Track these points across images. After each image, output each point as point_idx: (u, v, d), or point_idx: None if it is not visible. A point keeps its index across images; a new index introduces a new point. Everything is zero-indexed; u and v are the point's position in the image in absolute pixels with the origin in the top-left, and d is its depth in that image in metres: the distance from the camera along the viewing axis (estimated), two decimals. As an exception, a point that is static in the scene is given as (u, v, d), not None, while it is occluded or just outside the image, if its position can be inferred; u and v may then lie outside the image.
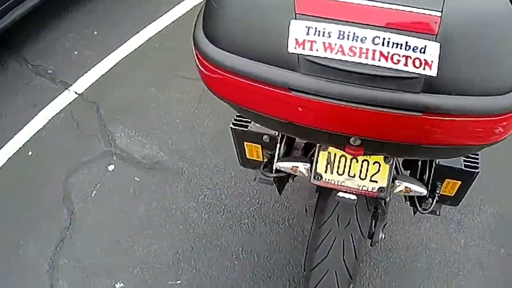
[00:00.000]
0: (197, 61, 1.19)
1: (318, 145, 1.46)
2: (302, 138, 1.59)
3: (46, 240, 2.60)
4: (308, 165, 1.52)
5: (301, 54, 0.97)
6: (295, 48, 0.97)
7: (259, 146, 1.79)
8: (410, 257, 2.44)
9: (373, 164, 1.45)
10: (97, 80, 3.40)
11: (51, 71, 3.48)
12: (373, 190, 1.46)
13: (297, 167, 1.56)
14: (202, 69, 1.17)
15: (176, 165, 2.88)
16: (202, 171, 2.85)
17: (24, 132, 3.11)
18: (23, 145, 3.05)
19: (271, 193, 2.73)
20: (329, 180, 1.48)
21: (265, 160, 1.81)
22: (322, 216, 1.70)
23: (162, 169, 2.87)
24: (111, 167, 2.88)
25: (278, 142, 1.66)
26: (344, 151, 1.27)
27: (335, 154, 1.45)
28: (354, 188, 1.48)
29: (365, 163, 1.45)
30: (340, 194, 1.52)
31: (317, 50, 0.96)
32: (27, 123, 3.15)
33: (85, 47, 3.65)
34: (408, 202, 1.82)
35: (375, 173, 1.46)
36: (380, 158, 1.44)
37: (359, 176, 1.46)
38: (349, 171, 1.46)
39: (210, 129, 3.07)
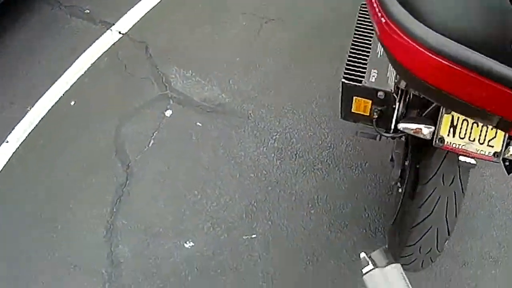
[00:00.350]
0: (385, 26, 1.11)
1: (442, 107, 1.45)
2: (472, 117, 1.41)
3: (101, 200, 2.31)
4: (432, 128, 1.50)
5: None
6: None
7: (370, 101, 1.74)
8: (474, 204, 2.27)
9: (491, 129, 1.46)
10: (142, 18, 3.03)
11: (88, 11, 3.11)
12: (489, 155, 1.49)
13: (420, 129, 1.53)
14: (394, 38, 1.09)
15: (240, 108, 2.56)
16: (269, 113, 2.53)
17: (63, 79, 2.78)
18: (64, 94, 2.72)
19: (342, 136, 2.48)
20: (450, 143, 1.49)
21: (375, 116, 1.75)
22: (426, 173, 1.69)
23: (225, 112, 2.54)
24: (168, 112, 2.54)
25: (397, 100, 1.65)
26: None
27: (458, 118, 1.47)
28: (473, 152, 1.50)
29: (484, 128, 1.46)
30: (462, 158, 1.54)
31: None
32: (66, 69, 2.81)
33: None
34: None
35: (492, 138, 1.47)
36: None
37: (478, 141, 1.48)
38: (469, 135, 1.48)
39: (272, 66, 2.73)
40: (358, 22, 1.87)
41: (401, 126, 1.57)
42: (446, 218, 1.70)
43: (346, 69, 1.71)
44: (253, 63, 2.74)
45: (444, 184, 1.66)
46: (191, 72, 2.70)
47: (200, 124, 2.49)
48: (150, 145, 2.43)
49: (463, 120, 1.47)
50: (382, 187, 2.39)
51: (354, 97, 1.74)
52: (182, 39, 2.88)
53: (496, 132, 1.46)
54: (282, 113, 2.54)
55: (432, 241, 1.74)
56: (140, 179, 2.35)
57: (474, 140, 1.49)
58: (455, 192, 1.68)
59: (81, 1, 3.19)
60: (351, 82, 1.69)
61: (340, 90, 1.72)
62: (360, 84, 1.69)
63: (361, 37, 1.82)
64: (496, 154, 1.49)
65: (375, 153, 2.46)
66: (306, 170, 2.35)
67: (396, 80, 1.62)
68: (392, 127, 1.67)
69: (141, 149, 2.42)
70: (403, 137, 1.82)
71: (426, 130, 1.51)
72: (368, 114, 1.77)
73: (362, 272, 1.21)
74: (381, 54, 1.74)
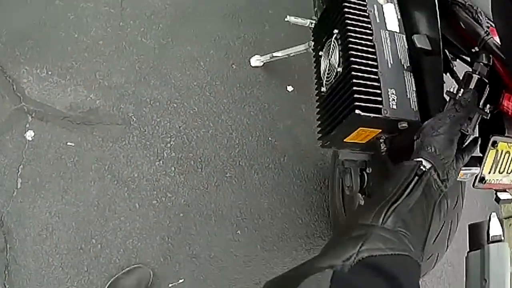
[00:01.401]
0: None
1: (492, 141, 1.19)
2: None
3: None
4: (478, 169, 1.24)
5: None
6: None
7: (379, 130, 1.29)
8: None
9: None
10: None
11: None
12: None
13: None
14: None
15: (117, 111, 2.08)
16: (154, 112, 2.11)
17: None
18: None
19: (249, 127, 2.24)
20: (490, 180, 1.26)
21: (383, 148, 1.35)
22: None
23: (99, 121, 2.05)
24: (29, 135, 1.96)
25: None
26: None
27: (501, 151, 1.24)
28: (508, 184, 1.31)
29: None
30: (501, 195, 1.31)
31: None
32: None
33: None
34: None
35: None
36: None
37: None
38: (508, 168, 1.28)
39: (147, 48, 2.25)
40: (349, 7, 1.35)
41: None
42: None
43: (358, 91, 1.22)
44: (122, 45, 2.21)
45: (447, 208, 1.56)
46: (46, 70, 2.08)
47: (72, 144, 1.98)
48: (19, 186, 1.88)
49: (506, 153, 1.25)
50: (309, 183, 2.20)
51: (360, 128, 1.28)
52: (29, 24, 2.18)
53: None
54: (171, 108, 2.13)
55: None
56: (23, 238, 1.82)
57: (510, 173, 1.30)
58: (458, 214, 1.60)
59: None
60: (368, 114, 1.20)
61: (341, 118, 1.28)
62: (380, 116, 1.21)
63: (360, 28, 1.32)
64: None
65: (290, 142, 2.24)
66: (218, 181, 2.05)
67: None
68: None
69: (9, 195, 1.86)
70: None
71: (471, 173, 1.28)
72: (364, 142, 1.37)
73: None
74: (391, 61, 1.29)
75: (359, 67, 1.24)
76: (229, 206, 2.03)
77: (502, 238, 1.07)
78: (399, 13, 1.39)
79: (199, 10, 2.42)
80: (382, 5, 1.38)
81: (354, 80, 1.22)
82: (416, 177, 0.99)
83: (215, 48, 2.34)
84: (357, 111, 1.18)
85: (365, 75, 1.24)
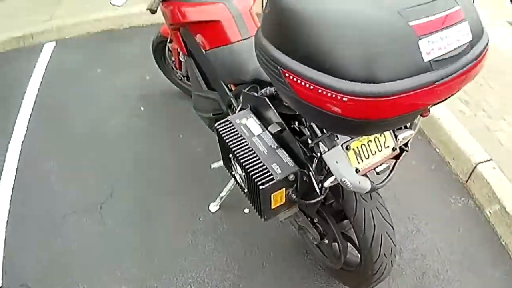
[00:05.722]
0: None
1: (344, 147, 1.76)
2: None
3: None
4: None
5: (432, 58, 1.32)
6: (428, 55, 1.31)
7: (283, 189, 1.93)
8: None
9: (376, 139, 1.86)
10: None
11: None
12: (393, 151, 1.88)
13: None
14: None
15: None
16: None
17: None
18: None
19: None
20: (363, 168, 1.82)
21: (294, 197, 1.95)
22: (349, 206, 2.03)
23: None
24: None
25: (312, 168, 1.86)
26: (422, 116, 1.64)
27: (357, 147, 1.80)
28: (380, 160, 1.86)
29: (372, 141, 1.84)
30: (378, 169, 1.89)
31: (436, 52, 1.33)
32: None
33: None
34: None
35: (385, 141, 1.86)
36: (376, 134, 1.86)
37: (378, 150, 1.85)
38: (370, 152, 1.83)
39: None
40: (228, 138, 2.04)
41: (327, 183, 1.80)
42: (386, 220, 2.05)
43: (255, 175, 1.87)
44: None
45: (366, 201, 2.02)
46: None
47: None
48: None
49: (361, 145, 1.81)
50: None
51: (272, 195, 1.91)
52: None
53: (384, 136, 1.86)
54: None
55: (388, 242, 2.06)
56: None
57: (375, 153, 1.84)
58: (377, 199, 2.05)
59: None
60: (267, 185, 1.85)
61: (259, 196, 1.89)
62: (274, 181, 1.86)
63: (239, 144, 2.00)
64: (394, 148, 1.87)
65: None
66: None
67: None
68: (319, 190, 1.88)
69: None
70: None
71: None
72: (284, 202, 1.98)
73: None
74: (266, 150, 1.96)
75: (249, 165, 1.92)
76: None
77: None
78: (257, 120, 2.10)
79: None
80: (245, 123, 2.10)
81: (250, 172, 1.90)
82: None
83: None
84: (261, 187, 1.85)
85: (254, 167, 1.91)
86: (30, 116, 4.13)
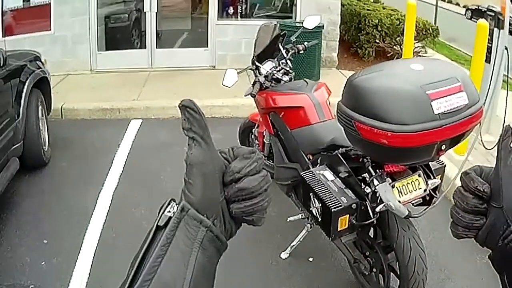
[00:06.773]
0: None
1: (386, 190, 2.51)
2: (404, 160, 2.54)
3: None
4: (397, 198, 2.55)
5: (440, 112, 2.13)
6: (437, 110, 2.12)
7: (348, 215, 2.60)
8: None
9: (413, 182, 2.61)
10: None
11: None
12: (424, 193, 2.64)
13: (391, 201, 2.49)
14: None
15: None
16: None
17: None
18: None
19: None
20: (403, 201, 2.54)
21: (354, 224, 2.64)
22: (392, 236, 2.71)
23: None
24: None
25: (367, 197, 2.61)
26: (439, 154, 2.34)
27: (400, 186, 2.56)
28: (413, 197, 2.62)
29: (410, 183, 2.58)
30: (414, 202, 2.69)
31: (443, 109, 2.14)
32: None
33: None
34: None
35: (418, 184, 2.62)
36: (412, 178, 2.61)
37: (414, 189, 2.58)
38: (408, 190, 2.57)
39: None
40: (310, 181, 2.77)
41: (378, 208, 2.49)
42: (419, 246, 2.65)
43: (329, 203, 2.54)
44: None
45: (405, 230, 2.64)
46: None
47: None
48: None
49: (402, 185, 2.53)
50: None
51: (339, 218, 2.53)
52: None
53: (417, 180, 2.57)
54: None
55: (420, 263, 2.64)
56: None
57: (411, 191, 2.55)
58: (413, 231, 2.69)
59: None
60: (337, 209, 2.51)
61: (330, 220, 2.50)
62: (342, 206, 2.53)
63: (318, 185, 2.71)
64: (425, 190, 2.58)
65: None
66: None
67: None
68: (372, 214, 2.55)
69: None
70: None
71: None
72: (347, 227, 2.59)
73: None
74: (336, 188, 2.69)
75: (325, 197, 2.63)
76: None
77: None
78: (330, 171, 2.91)
79: None
80: (323, 173, 2.92)
81: (326, 202, 2.62)
82: None
83: None
84: (333, 209, 2.54)
85: (328, 198, 2.63)
86: (120, 175, 4.89)
